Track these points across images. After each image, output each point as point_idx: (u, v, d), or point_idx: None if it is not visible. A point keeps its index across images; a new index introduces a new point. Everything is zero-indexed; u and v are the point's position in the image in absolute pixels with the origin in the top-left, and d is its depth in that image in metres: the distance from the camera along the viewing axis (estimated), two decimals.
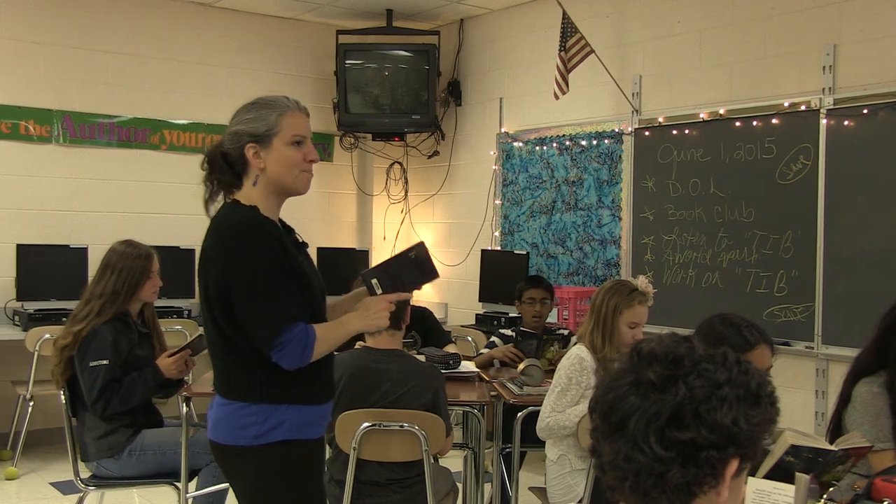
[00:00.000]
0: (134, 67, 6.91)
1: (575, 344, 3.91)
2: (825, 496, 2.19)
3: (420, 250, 2.70)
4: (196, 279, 6.01)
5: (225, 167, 2.65)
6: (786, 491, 1.67)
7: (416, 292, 2.99)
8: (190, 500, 3.96)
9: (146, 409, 4.11)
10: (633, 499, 1.39)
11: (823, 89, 5.02)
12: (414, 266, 2.68)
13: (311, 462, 2.73)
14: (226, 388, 2.63)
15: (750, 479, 1.73)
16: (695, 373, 1.37)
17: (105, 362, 3.89)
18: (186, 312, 6.61)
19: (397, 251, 2.70)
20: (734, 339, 2.69)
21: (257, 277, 2.51)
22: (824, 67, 5.02)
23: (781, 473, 2.19)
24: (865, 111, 4.83)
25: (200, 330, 6.02)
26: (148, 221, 6.88)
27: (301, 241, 2.78)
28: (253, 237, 2.55)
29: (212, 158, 2.67)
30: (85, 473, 4.03)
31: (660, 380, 1.37)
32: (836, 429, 3.04)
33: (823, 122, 5.00)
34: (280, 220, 2.75)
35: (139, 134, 6.92)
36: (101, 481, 4.02)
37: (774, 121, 5.26)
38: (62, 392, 4.00)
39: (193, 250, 6.71)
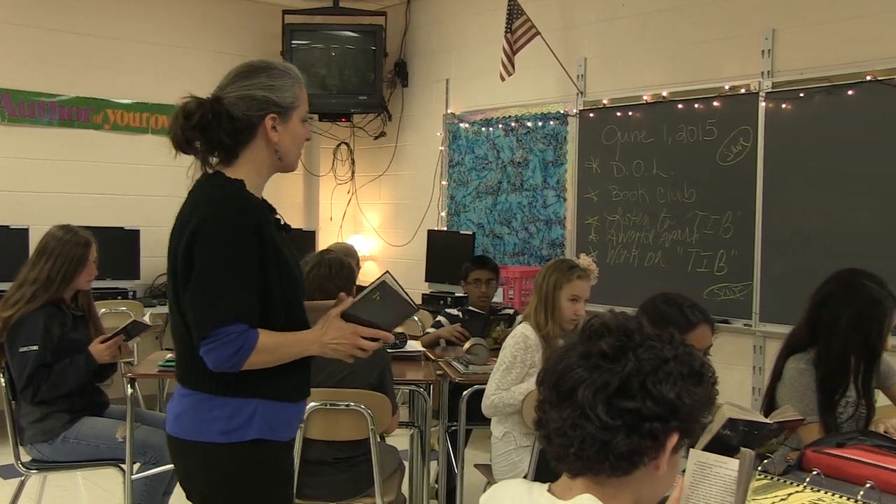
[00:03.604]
0: (76, 45, 6.79)
1: (520, 323, 3.98)
2: (759, 468, 2.25)
3: (384, 289, 2.35)
4: (143, 259, 5.75)
5: (230, 129, 2.31)
6: (726, 463, 1.73)
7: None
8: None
9: (87, 393, 4.05)
10: (577, 465, 1.44)
11: (762, 73, 5.13)
12: (382, 307, 2.36)
13: (283, 467, 2.46)
14: (189, 377, 2.34)
15: (691, 451, 1.79)
16: (644, 346, 1.43)
17: (35, 348, 3.83)
18: (131, 293, 6.56)
19: (365, 289, 2.37)
20: (677, 318, 2.73)
21: (218, 262, 2.23)
22: (763, 52, 5.12)
23: (719, 446, 2.25)
24: (802, 95, 4.94)
25: (147, 312, 6.04)
26: (91, 202, 6.81)
27: (284, 223, 2.49)
28: (230, 218, 2.26)
29: (211, 113, 2.29)
30: (27, 457, 3.99)
31: (612, 350, 1.43)
32: (769, 404, 3.11)
33: (762, 105, 5.11)
34: (263, 200, 2.46)
35: (81, 113, 6.82)
36: (42, 465, 3.98)
37: (715, 103, 5.36)
38: (1, 375, 3.95)
39: (138, 231, 6.67)
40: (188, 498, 2.49)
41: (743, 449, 1.70)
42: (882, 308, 2.97)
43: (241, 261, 2.24)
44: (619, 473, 1.42)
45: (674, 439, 1.43)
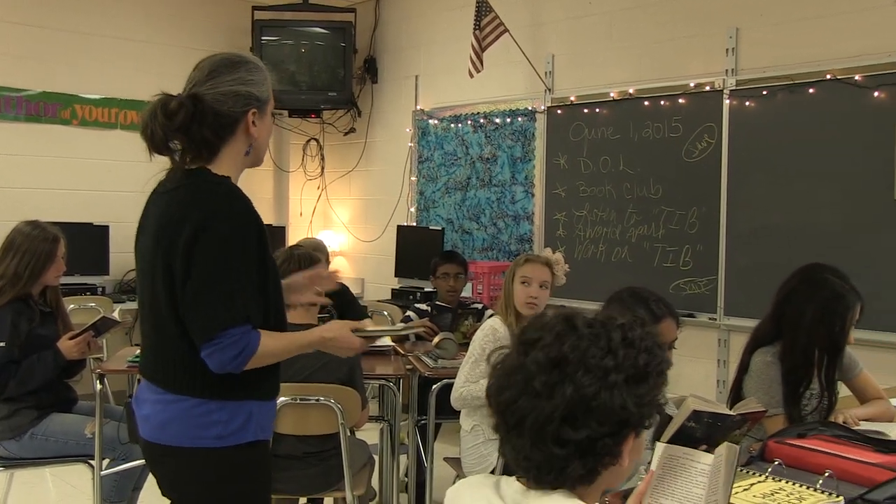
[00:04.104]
0: (43, 40, 6.73)
1: (490, 317, 4.04)
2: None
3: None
4: (112, 254, 5.61)
5: (215, 125, 2.28)
6: (693, 456, 1.78)
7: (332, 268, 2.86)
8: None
9: (55, 389, 4.04)
10: (539, 484, 1.45)
11: (726, 71, 5.21)
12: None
13: (268, 466, 2.47)
14: (176, 382, 2.28)
15: (660, 444, 1.82)
16: (582, 368, 1.40)
17: (1, 344, 3.81)
18: (100, 289, 6.55)
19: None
20: (642, 312, 2.74)
21: (224, 261, 2.20)
22: (727, 50, 5.21)
23: (683, 438, 2.30)
24: (765, 92, 5.03)
25: (117, 308, 6.02)
26: (60, 198, 6.76)
27: None
28: (237, 216, 2.25)
29: (194, 111, 2.25)
30: None
31: (546, 388, 1.40)
32: (736, 396, 3.16)
33: (726, 102, 5.19)
34: None
35: (49, 108, 6.76)
36: (9, 461, 3.95)
37: (681, 101, 5.44)
38: None
39: (107, 227, 6.65)
40: None
41: (728, 444, 1.72)
42: (845, 303, 3.04)
43: (247, 260, 2.23)
44: (582, 485, 1.45)
45: (630, 440, 1.44)
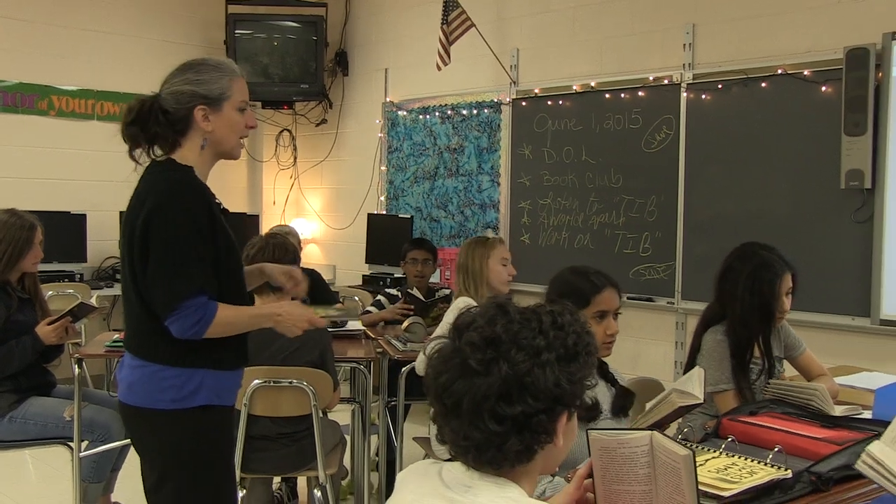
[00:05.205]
0: (19, 31, 6.76)
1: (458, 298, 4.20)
2: (679, 436, 2.42)
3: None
4: (90, 242, 5.69)
5: (165, 122, 2.54)
6: (627, 442, 1.83)
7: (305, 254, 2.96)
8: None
9: (34, 373, 4.09)
10: (480, 463, 1.49)
11: (684, 65, 5.37)
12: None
13: (226, 428, 2.71)
14: (143, 350, 2.55)
15: (592, 435, 1.88)
16: (515, 346, 1.46)
17: None
18: (78, 276, 6.60)
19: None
20: (583, 284, 2.74)
21: (176, 240, 2.44)
22: (685, 45, 5.37)
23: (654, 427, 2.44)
24: (720, 86, 5.19)
25: (94, 295, 6.11)
26: (37, 187, 6.79)
27: (223, 207, 2.69)
28: (185, 199, 2.48)
29: (146, 110, 2.53)
30: None
31: (481, 365, 1.45)
32: None
33: (684, 95, 5.35)
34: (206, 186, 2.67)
35: (26, 99, 6.80)
36: None
37: (640, 93, 5.58)
38: None
39: (85, 215, 6.70)
40: (146, 462, 2.64)
41: (684, 453, 1.79)
42: (773, 270, 3.22)
43: (197, 238, 2.46)
44: (521, 464, 1.49)
45: (563, 419, 1.49)
